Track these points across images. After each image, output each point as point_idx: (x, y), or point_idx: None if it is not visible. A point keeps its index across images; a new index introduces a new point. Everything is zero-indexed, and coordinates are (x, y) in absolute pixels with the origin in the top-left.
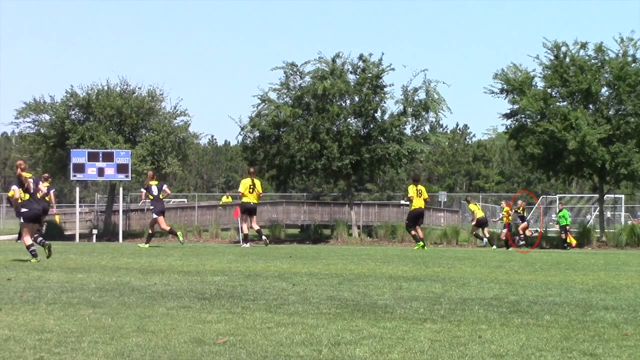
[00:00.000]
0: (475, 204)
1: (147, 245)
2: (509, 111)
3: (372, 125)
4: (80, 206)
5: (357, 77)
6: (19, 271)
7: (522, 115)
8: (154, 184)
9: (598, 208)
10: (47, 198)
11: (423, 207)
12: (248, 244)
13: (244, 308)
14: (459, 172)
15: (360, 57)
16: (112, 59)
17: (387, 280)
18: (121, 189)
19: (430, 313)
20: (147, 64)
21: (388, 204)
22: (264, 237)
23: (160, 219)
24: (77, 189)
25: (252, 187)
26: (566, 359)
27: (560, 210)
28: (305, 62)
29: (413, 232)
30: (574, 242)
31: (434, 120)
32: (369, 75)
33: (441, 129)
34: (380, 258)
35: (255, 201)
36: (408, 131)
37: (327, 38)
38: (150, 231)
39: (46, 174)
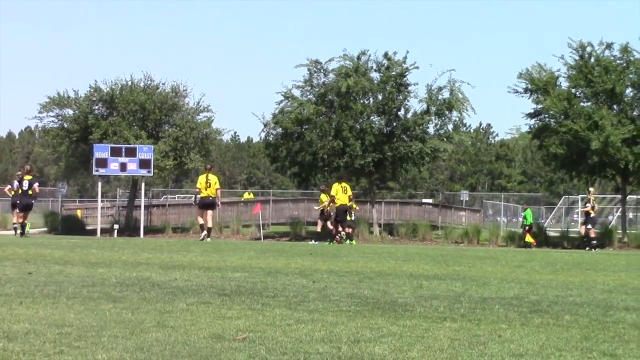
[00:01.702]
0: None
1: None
2: (532, 111)
3: (395, 124)
4: (102, 201)
5: (381, 75)
6: (39, 265)
7: (546, 115)
8: (27, 179)
9: (620, 209)
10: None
11: (347, 203)
12: (208, 238)
13: (264, 304)
14: (481, 172)
15: (385, 55)
16: (136, 55)
17: (407, 278)
18: (143, 184)
19: (450, 312)
20: (171, 60)
21: (410, 202)
22: (206, 234)
23: (20, 213)
24: (100, 184)
25: (208, 182)
26: (586, 359)
27: (524, 210)
28: (329, 59)
29: (339, 228)
30: (532, 241)
31: (457, 119)
32: (393, 73)
33: (464, 128)
34: (401, 256)
35: (213, 195)
36: (431, 130)
37: (352, 36)
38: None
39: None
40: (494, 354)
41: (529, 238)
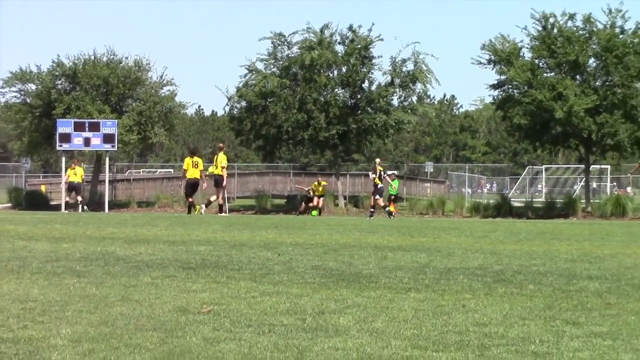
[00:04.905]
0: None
1: None
2: (496, 82)
3: (359, 96)
4: (65, 176)
5: (346, 47)
6: (3, 240)
7: (509, 86)
8: None
9: (584, 179)
10: None
11: (198, 177)
12: (203, 210)
13: (229, 277)
14: (446, 143)
15: (350, 28)
16: (99, 29)
17: (372, 250)
18: (107, 159)
19: (415, 282)
20: (134, 34)
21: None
22: (201, 209)
23: None
24: (63, 159)
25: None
26: (549, 328)
27: (392, 180)
28: (293, 32)
29: (190, 200)
30: (393, 210)
31: (421, 91)
32: (358, 46)
33: (428, 100)
34: (365, 228)
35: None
36: (395, 102)
37: (316, 9)
38: None
39: None
40: (458, 324)
41: (392, 207)
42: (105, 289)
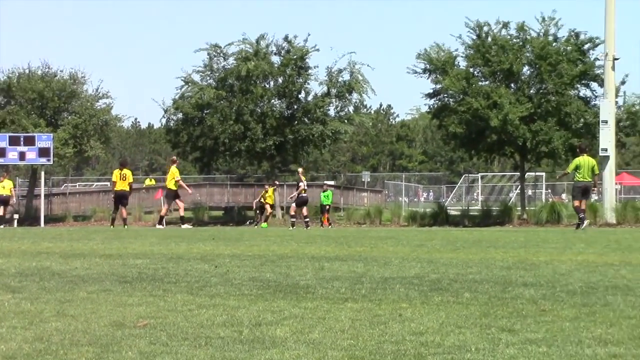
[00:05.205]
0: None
1: None
2: (431, 91)
3: (296, 107)
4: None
5: (282, 58)
6: None
7: (445, 95)
8: None
9: (519, 186)
10: None
11: (126, 189)
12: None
13: (165, 291)
14: (383, 152)
15: (286, 39)
16: (34, 42)
17: (309, 260)
18: (43, 173)
19: (352, 292)
20: (69, 47)
21: (312, 185)
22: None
23: None
24: None
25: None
26: (485, 335)
27: (324, 191)
28: (229, 43)
29: (113, 215)
30: (326, 222)
31: (357, 101)
32: (294, 56)
33: (365, 110)
34: (303, 239)
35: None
36: (332, 112)
37: (252, 20)
38: None
39: None
40: (395, 333)
41: (324, 219)
42: (40, 304)
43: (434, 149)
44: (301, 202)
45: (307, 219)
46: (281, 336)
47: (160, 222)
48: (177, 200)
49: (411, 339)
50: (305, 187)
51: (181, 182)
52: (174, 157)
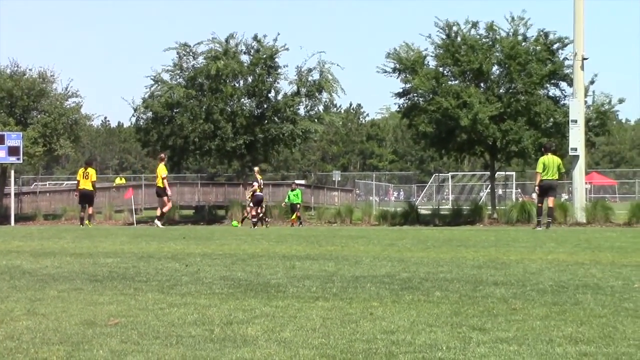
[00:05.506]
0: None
1: None
2: (401, 90)
3: (265, 106)
4: None
5: (251, 57)
6: None
7: (415, 95)
8: None
9: (489, 185)
10: None
11: (89, 188)
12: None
13: (136, 289)
14: (353, 152)
15: (255, 38)
16: (1, 41)
17: (280, 259)
18: (12, 171)
19: (323, 291)
20: (37, 45)
21: (282, 184)
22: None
23: None
24: None
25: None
26: (456, 334)
27: (293, 190)
28: (198, 42)
29: (82, 214)
30: (295, 220)
31: (327, 100)
32: (263, 56)
33: (335, 109)
34: (273, 238)
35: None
36: (302, 111)
37: (221, 19)
38: None
39: None
40: (366, 332)
41: (295, 217)
42: (10, 303)
43: (404, 148)
44: (257, 202)
45: (255, 219)
46: (252, 335)
47: (160, 219)
48: (165, 198)
49: (382, 337)
50: (262, 186)
51: (165, 183)
52: (162, 155)
